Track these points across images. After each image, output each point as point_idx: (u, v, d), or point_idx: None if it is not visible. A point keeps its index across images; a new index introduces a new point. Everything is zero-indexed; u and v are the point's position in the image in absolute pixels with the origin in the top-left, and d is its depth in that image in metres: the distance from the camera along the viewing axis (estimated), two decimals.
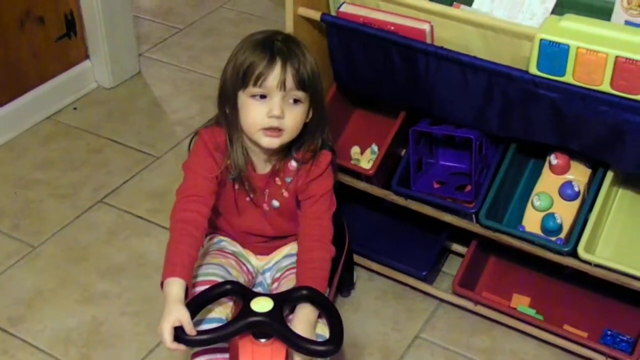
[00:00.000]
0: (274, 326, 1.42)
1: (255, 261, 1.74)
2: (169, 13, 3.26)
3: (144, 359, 1.91)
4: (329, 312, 1.47)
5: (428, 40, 1.76)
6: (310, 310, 1.50)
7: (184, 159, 1.64)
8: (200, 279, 1.59)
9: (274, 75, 1.51)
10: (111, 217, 2.30)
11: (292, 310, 1.52)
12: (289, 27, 1.88)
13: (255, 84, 1.52)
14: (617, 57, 1.53)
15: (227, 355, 1.57)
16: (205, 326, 1.51)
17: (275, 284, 1.68)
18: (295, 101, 1.55)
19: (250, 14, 3.24)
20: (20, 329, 1.98)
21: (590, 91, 1.60)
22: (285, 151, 1.62)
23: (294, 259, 1.68)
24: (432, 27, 1.75)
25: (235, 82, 1.55)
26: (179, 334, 1.41)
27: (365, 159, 2.04)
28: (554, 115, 1.69)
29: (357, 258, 2.06)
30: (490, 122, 1.80)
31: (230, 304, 1.58)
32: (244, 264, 1.71)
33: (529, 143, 1.83)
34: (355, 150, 2.08)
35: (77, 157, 2.52)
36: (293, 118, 1.55)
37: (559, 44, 1.58)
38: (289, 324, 1.45)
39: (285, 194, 1.66)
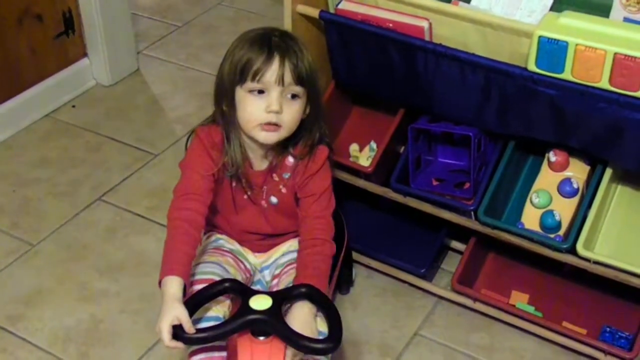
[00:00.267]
0: (272, 324, 1.42)
1: (253, 259, 1.74)
2: (167, 10, 3.26)
3: (143, 356, 1.91)
4: (327, 309, 1.47)
5: (427, 38, 1.76)
6: (309, 307, 1.50)
7: (183, 157, 1.64)
8: (197, 277, 1.59)
9: (272, 70, 1.51)
10: (110, 215, 2.30)
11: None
12: (287, 25, 1.87)
13: (253, 79, 1.52)
14: (615, 53, 1.53)
15: (224, 354, 1.56)
16: (202, 325, 1.51)
17: (275, 280, 1.68)
18: (293, 96, 1.55)
19: (249, 11, 3.24)
20: (19, 327, 1.98)
21: (588, 88, 1.60)
22: (282, 147, 1.62)
23: (293, 255, 1.68)
24: (430, 24, 1.75)
25: (232, 78, 1.55)
26: (177, 332, 1.41)
27: (364, 157, 2.04)
28: (553, 112, 1.69)
29: (356, 255, 2.06)
30: (488, 119, 1.80)
31: (228, 302, 1.58)
32: (242, 262, 1.71)
33: (527, 140, 1.83)
34: (353, 147, 2.08)
35: (75, 155, 2.52)
36: (291, 113, 1.55)
37: (558, 40, 1.57)
38: (286, 321, 1.45)
39: (284, 190, 1.66)
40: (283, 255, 1.72)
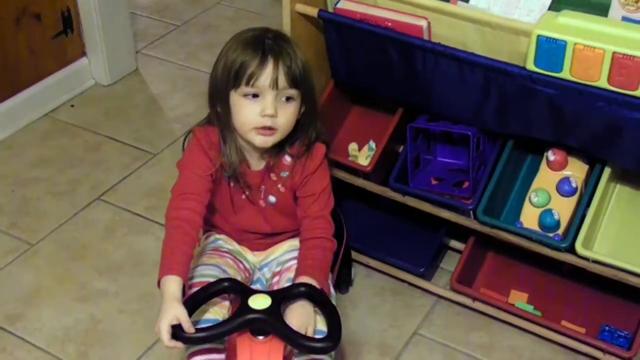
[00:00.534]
0: (271, 323, 1.41)
1: (252, 257, 1.74)
2: (166, 10, 3.26)
3: (142, 356, 1.91)
4: (326, 309, 1.47)
5: (425, 37, 1.76)
6: (308, 305, 1.50)
7: (181, 157, 1.64)
8: (196, 280, 1.58)
9: (266, 75, 1.51)
10: (109, 214, 2.30)
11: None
12: (286, 24, 1.87)
13: (247, 84, 1.52)
14: (614, 53, 1.53)
15: (223, 356, 1.56)
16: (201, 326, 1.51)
17: (276, 278, 1.68)
18: (288, 99, 1.55)
19: (248, 10, 3.23)
20: (18, 327, 1.98)
21: (587, 87, 1.60)
22: (278, 147, 1.61)
23: (294, 254, 1.68)
24: (429, 23, 1.75)
25: (226, 81, 1.55)
26: (176, 331, 1.41)
27: (363, 156, 2.04)
28: (552, 111, 1.69)
29: (355, 255, 2.06)
30: (487, 119, 1.80)
31: (227, 304, 1.57)
32: (241, 262, 1.71)
33: (526, 139, 1.83)
34: (352, 146, 2.08)
35: (74, 154, 2.52)
36: (286, 116, 1.55)
37: (556, 40, 1.57)
38: (285, 319, 1.45)
39: (282, 189, 1.66)
40: (284, 253, 1.72)
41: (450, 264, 2.09)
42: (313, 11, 1.85)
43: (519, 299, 1.95)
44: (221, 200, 1.67)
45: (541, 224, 1.81)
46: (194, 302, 1.47)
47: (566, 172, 1.86)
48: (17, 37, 2.54)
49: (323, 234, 1.62)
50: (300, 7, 1.87)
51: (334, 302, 1.53)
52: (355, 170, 1.98)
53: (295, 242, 1.71)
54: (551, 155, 1.85)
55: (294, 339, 1.41)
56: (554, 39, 1.57)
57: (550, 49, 1.59)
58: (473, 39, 1.71)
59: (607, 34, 1.56)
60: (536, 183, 1.87)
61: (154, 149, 2.53)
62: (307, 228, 1.62)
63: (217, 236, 1.74)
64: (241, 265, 1.70)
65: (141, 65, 2.91)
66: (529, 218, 1.83)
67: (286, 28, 1.87)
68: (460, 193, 1.89)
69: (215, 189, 1.63)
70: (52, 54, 2.67)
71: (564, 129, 1.71)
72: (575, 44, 1.56)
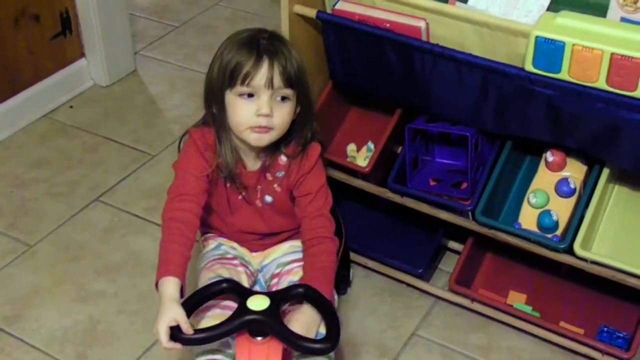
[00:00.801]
0: (270, 324, 1.41)
1: (251, 258, 1.74)
2: (165, 11, 3.26)
3: (141, 357, 1.91)
4: (325, 309, 1.47)
5: (424, 38, 1.76)
6: (310, 307, 1.50)
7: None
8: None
9: (262, 74, 1.51)
10: (107, 215, 2.30)
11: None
12: (284, 25, 1.87)
13: (242, 83, 1.52)
14: (612, 53, 1.53)
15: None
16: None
17: (275, 280, 1.68)
18: (283, 99, 1.55)
19: (246, 11, 3.24)
20: (16, 328, 1.98)
21: (585, 88, 1.60)
22: (274, 147, 1.62)
23: (296, 255, 1.68)
24: (427, 24, 1.75)
25: (222, 81, 1.55)
26: (175, 333, 1.41)
27: (361, 157, 2.04)
28: (550, 112, 1.69)
29: (353, 256, 2.06)
30: (486, 119, 1.80)
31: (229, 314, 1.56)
32: (247, 266, 1.71)
33: (525, 140, 1.83)
34: (351, 147, 2.08)
35: (73, 155, 2.52)
36: (281, 116, 1.55)
37: (555, 40, 1.57)
38: (287, 321, 1.45)
39: (278, 188, 1.66)
40: (285, 254, 1.72)
41: (448, 265, 2.09)
42: (311, 12, 1.85)
43: (517, 300, 1.95)
44: (218, 201, 1.67)
45: (540, 225, 1.81)
46: (192, 303, 1.47)
47: (565, 173, 1.86)
48: (16, 38, 2.54)
49: (325, 232, 1.62)
50: (299, 8, 1.87)
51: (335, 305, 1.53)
52: (353, 171, 1.98)
53: (295, 243, 1.71)
54: (550, 156, 1.85)
55: (292, 340, 1.41)
56: (552, 39, 1.57)
57: (549, 50, 1.59)
58: (471, 40, 1.72)
59: (606, 34, 1.56)
60: (535, 184, 1.87)
61: (152, 150, 2.53)
62: (307, 228, 1.62)
63: (219, 240, 1.73)
64: (248, 270, 1.70)
65: (140, 66, 2.91)
66: (528, 219, 1.83)
67: (284, 29, 1.87)
68: (458, 194, 1.89)
69: (211, 190, 1.63)
70: (50, 55, 2.67)
71: (563, 129, 1.72)
72: (573, 44, 1.56)
